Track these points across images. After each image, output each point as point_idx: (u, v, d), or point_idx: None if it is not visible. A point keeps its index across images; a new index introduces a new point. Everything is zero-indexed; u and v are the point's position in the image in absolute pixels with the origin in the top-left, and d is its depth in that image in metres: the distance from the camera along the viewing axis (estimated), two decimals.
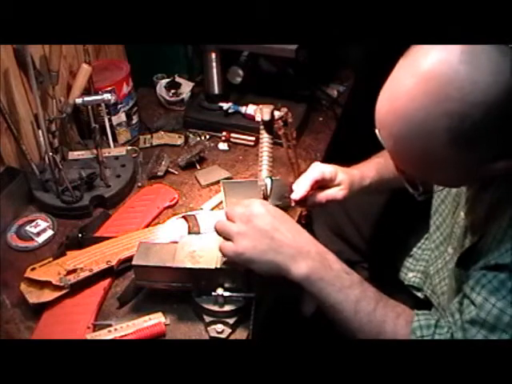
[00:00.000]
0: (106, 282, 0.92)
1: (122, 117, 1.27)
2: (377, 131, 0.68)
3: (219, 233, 0.80)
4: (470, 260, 0.73)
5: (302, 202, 0.88)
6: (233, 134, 1.30)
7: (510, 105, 0.57)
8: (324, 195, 0.89)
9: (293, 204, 0.89)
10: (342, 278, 0.74)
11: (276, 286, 0.82)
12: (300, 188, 0.87)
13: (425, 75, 0.59)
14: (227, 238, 0.78)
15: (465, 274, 0.74)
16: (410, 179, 0.73)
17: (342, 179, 0.90)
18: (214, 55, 1.27)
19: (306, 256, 0.74)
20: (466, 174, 0.68)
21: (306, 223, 1.07)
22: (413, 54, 0.62)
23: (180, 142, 1.31)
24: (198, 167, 1.22)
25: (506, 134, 0.59)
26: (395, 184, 0.76)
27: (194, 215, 1.03)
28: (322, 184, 0.89)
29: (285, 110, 0.96)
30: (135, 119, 1.32)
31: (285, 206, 0.89)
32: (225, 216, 0.81)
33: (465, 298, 0.71)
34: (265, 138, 0.91)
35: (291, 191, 0.88)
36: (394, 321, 0.72)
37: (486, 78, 0.57)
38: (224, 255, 0.79)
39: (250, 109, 1.29)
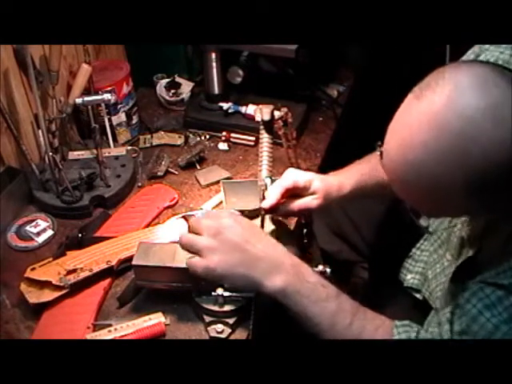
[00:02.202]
0: (106, 282, 0.92)
1: (122, 117, 1.27)
2: (383, 168, 0.66)
3: (185, 247, 0.76)
4: (467, 274, 0.72)
5: (273, 210, 0.85)
6: (233, 134, 1.30)
7: None
8: (297, 204, 0.86)
9: (262, 213, 0.86)
10: (318, 291, 0.72)
11: None
12: (270, 196, 0.83)
13: (445, 129, 0.56)
14: (194, 252, 0.75)
15: (460, 287, 0.73)
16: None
17: (317, 188, 0.86)
18: (214, 55, 1.27)
19: (280, 269, 0.72)
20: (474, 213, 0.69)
21: (306, 223, 1.07)
22: (428, 96, 0.58)
23: (180, 142, 1.31)
24: (198, 167, 1.22)
25: None
26: (379, 191, 0.74)
27: (193, 215, 1.03)
28: (294, 192, 0.86)
29: (285, 110, 0.96)
30: (135, 119, 1.32)
31: (253, 215, 0.86)
32: (188, 229, 0.77)
33: (458, 309, 0.70)
34: (265, 138, 0.91)
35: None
36: (373, 333, 0.71)
37: (509, 136, 0.54)
38: (192, 272, 0.76)
39: (250, 109, 1.29)
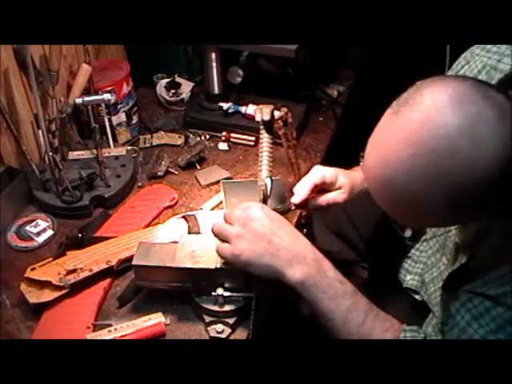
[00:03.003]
0: (105, 282, 0.92)
1: (122, 117, 1.27)
2: (366, 182, 0.67)
3: (216, 234, 0.80)
4: (460, 281, 0.73)
5: (302, 205, 0.88)
6: (233, 134, 1.30)
7: (508, 174, 0.55)
8: (325, 199, 0.88)
9: (293, 208, 0.89)
10: (335, 287, 0.74)
11: (275, 285, 0.82)
12: (300, 192, 0.86)
13: (422, 147, 0.56)
14: (224, 239, 0.78)
15: (452, 295, 0.73)
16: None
17: (343, 182, 0.89)
18: (214, 55, 1.27)
19: (301, 261, 0.74)
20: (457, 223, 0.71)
21: (306, 223, 1.07)
22: (405, 113, 0.58)
23: (180, 142, 1.31)
24: (198, 167, 1.22)
25: (498, 198, 0.58)
26: None
27: (193, 215, 1.03)
28: (322, 187, 0.88)
29: (285, 110, 0.96)
30: (135, 119, 1.32)
31: (284, 210, 0.89)
32: (223, 218, 0.81)
33: (449, 319, 0.71)
34: (265, 138, 0.91)
35: (291, 193, 0.88)
36: (381, 335, 0.73)
37: (486, 153, 0.54)
38: (221, 257, 0.79)
39: (250, 109, 1.29)
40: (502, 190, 0.56)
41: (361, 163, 0.68)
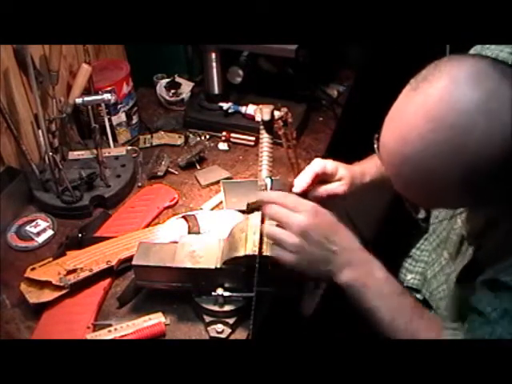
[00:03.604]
0: (105, 282, 0.92)
1: (122, 117, 1.27)
2: (380, 160, 0.67)
3: (270, 236, 0.77)
4: (471, 273, 0.73)
5: (302, 196, 0.86)
6: (233, 134, 1.30)
7: None
8: (324, 190, 0.88)
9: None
10: (383, 287, 0.75)
11: (275, 285, 0.82)
12: (301, 181, 0.86)
13: (441, 122, 0.57)
14: (280, 238, 0.75)
15: (468, 287, 0.74)
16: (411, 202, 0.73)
17: (343, 174, 0.89)
18: (214, 55, 1.27)
19: (352, 264, 0.75)
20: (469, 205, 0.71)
21: None
22: (424, 89, 0.59)
23: (180, 142, 1.31)
24: (198, 167, 1.22)
25: (509, 180, 0.59)
26: None
27: (193, 215, 1.03)
28: (322, 178, 0.88)
29: (285, 110, 0.96)
30: (135, 119, 1.32)
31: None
32: (276, 198, 0.77)
33: (469, 311, 0.70)
34: (265, 138, 0.91)
35: (291, 193, 0.87)
36: (426, 333, 0.73)
37: (500, 129, 0.55)
38: (276, 258, 0.76)
39: (250, 109, 1.29)
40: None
41: (375, 145, 0.68)
